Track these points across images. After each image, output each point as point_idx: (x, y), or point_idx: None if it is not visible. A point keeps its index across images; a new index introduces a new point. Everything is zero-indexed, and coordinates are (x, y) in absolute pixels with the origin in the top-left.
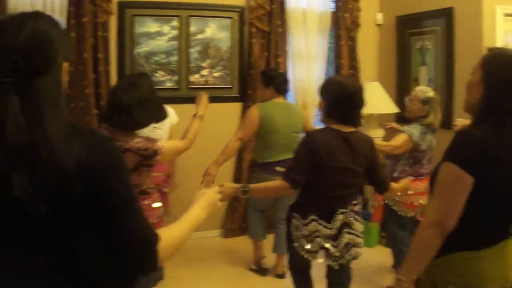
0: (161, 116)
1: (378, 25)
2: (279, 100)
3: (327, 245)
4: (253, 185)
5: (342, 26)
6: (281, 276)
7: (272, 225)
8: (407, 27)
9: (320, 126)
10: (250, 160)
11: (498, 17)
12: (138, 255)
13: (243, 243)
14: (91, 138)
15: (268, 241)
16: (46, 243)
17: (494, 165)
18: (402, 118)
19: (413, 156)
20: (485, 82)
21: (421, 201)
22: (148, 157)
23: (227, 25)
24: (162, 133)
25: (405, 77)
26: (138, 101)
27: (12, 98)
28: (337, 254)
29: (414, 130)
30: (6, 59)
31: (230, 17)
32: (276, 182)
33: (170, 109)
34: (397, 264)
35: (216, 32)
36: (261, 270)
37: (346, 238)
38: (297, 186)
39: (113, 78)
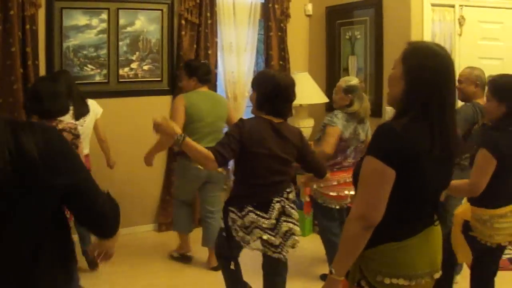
0: (82, 112)
1: (308, 15)
2: (203, 89)
3: (265, 237)
4: (189, 140)
5: (272, 17)
6: (215, 268)
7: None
8: (336, 18)
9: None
10: (171, 149)
11: (426, 7)
12: (111, 221)
13: (176, 237)
14: (36, 133)
15: (196, 234)
16: (10, 223)
17: (414, 158)
18: (331, 108)
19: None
20: (405, 76)
21: (346, 192)
22: (77, 135)
23: (156, 18)
24: (85, 129)
25: (335, 67)
26: (53, 93)
27: None
28: (277, 242)
29: (335, 118)
30: None
31: (160, 9)
32: (205, 150)
33: (93, 102)
34: (329, 255)
35: (145, 24)
36: (183, 257)
37: (284, 226)
38: (221, 161)
39: (42, 73)
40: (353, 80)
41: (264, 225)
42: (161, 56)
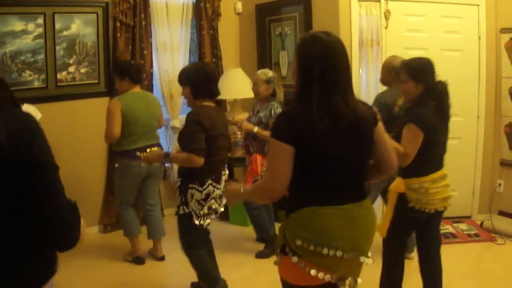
0: None
1: (238, 13)
2: (136, 90)
3: (214, 206)
4: (172, 154)
5: (204, 16)
6: (162, 258)
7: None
8: (266, 15)
9: (181, 115)
10: (110, 151)
11: (353, 2)
12: (69, 230)
13: (122, 237)
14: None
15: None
16: None
17: (300, 132)
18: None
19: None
20: (298, 65)
21: None
22: None
23: (92, 21)
24: None
25: (266, 61)
26: None
27: None
28: (221, 210)
29: (278, 110)
30: None
31: (95, 13)
32: (185, 155)
33: (29, 108)
34: (256, 228)
35: (81, 28)
36: (137, 259)
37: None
38: (200, 153)
39: None
40: (270, 72)
41: (216, 195)
42: (98, 58)
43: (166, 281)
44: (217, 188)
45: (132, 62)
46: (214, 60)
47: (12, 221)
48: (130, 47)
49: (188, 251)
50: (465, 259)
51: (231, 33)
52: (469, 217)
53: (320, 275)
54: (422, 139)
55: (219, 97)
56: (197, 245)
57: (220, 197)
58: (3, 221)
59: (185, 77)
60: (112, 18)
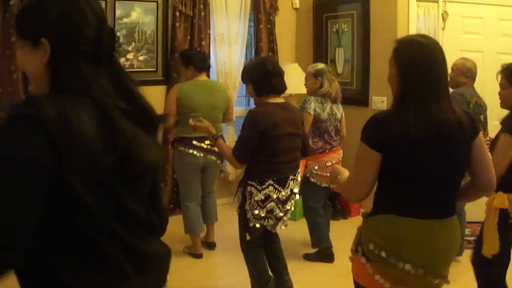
0: None
1: (295, 8)
2: (201, 78)
3: (276, 211)
4: (220, 141)
5: (262, 10)
6: (213, 245)
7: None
8: (323, 11)
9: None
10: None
11: (411, 3)
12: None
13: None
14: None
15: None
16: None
17: (389, 139)
18: None
19: (318, 127)
20: (399, 72)
21: None
22: None
23: (151, 9)
24: None
25: (322, 58)
26: None
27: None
28: (280, 216)
29: (308, 104)
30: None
31: (155, 1)
32: (233, 158)
33: None
34: (313, 236)
35: (141, 16)
36: (196, 256)
37: (289, 204)
38: (242, 162)
39: None
40: (320, 65)
41: (280, 198)
42: (156, 47)
43: (210, 271)
44: (279, 192)
45: (198, 50)
46: (270, 54)
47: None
48: (189, 37)
49: (242, 247)
50: None
51: (287, 28)
52: None
53: (387, 284)
54: None
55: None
56: (253, 244)
57: (283, 202)
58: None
59: (246, 75)
60: (171, 8)
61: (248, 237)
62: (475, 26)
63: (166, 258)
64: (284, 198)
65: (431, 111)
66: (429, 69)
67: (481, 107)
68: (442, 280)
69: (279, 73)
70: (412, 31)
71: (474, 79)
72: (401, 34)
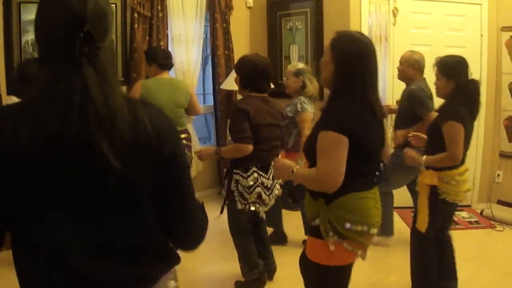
0: None
1: (249, 7)
2: (164, 76)
3: (263, 195)
4: (222, 149)
5: (217, 9)
6: None
7: None
8: (277, 9)
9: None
10: None
11: (363, 0)
12: (199, 230)
13: None
14: (148, 108)
15: None
16: (117, 207)
17: (356, 127)
18: (275, 93)
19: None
20: (334, 61)
21: None
22: None
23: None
24: None
25: (277, 55)
26: None
27: (88, 68)
28: (268, 201)
29: (305, 104)
30: (78, 30)
31: (113, 3)
32: (234, 146)
33: None
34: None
35: None
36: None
37: (276, 189)
38: (250, 142)
39: (0, 67)
40: (300, 64)
41: (264, 184)
42: (116, 48)
43: (182, 265)
44: (264, 177)
45: (162, 48)
46: (226, 52)
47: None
48: (147, 38)
49: (232, 233)
50: (467, 244)
51: (242, 26)
52: (469, 206)
53: (360, 253)
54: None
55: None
56: (242, 230)
57: (268, 188)
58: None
59: (237, 66)
60: (130, 9)
61: (238, 223)
62: (424, 21)
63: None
64: (269, 184)
65: (372, 99)
66: (368, 64)
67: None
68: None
69: (266, 76)
70: (365, 27)
71: (422, 71)
72: (354, 30)
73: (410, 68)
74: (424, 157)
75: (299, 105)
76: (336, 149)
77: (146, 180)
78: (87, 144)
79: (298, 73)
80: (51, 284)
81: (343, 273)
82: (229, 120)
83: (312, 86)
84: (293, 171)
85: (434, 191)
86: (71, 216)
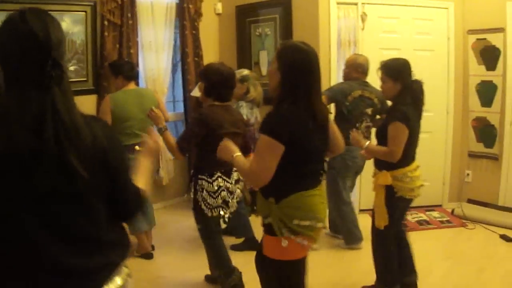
0: None
1: (218, 14)
2: (130, 87)
3: (227, 198)
4: (166, 133)
5: (187, 16)
6: (151, 247)
7: None
8: (246, 16)
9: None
10: None
11: (332, 5)
12: (136, 203)
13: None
14: (99, 124)
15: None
16: (82, 206)
17: (296, 132)
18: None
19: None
20: (280, 69)
21: None
22: None
23: (80, 19)
24: None
25: (246, 61)
26: None
27: (55, 90)
28: (232, 204)
29: (241, 109)
30: (46, 58)
31: (84, 11)
32: (174, 144)
33: None
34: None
35: (70, 26)
36: (146, 255)
37: (238, 191)
38: (184, 153)
39: None
40: (245, 71)
41: (229, 188)
42: (86, 56)
43: (159, 273)
44: (227, 182)
45: (126, 60)
46: (196, 59)
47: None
48: (118, 45)
49: (203, 241)
50: (440, 243)
51: (211, 33)
52: (440, 205)
53: (315, 246)
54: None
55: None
56: (212, 235)
57: (232, 192)
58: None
59: (203, 74)
60: (100, 17)
61: (208, 228)
62: (392, 25)
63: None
64: (231, 188)
65: (315, 105)
66: (311, 72)
67: (369, 100)
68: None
69: (231, 86)
70: (334, 32)
71: (366, 74)
72: (323, 35)
73: (354, 71)
74: (368, 142)
75: (239, 110)
76: (268, 153)
77: (102, 184)
78: (58, 156)
79: (243, 79)
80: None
81: (298, 266)
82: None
83: (256, 92)
84: (233, 156)
85: (389, 190)
86: (42, 216)
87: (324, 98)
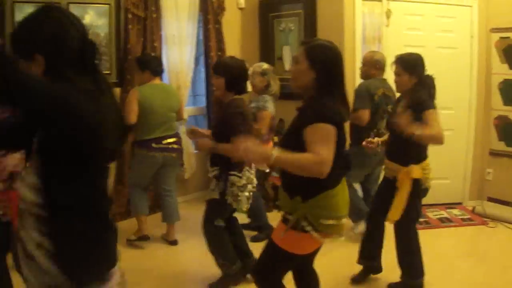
0: None
1: (240, 8)
2: (156, 82)
3: (253, 190)
4: (220, 145)
5: (210, 10)
6: (174, 242)
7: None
8: (269, 11)
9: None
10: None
11: (357, 1)
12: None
13: (132, 226)
14: None
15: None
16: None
17: (340, 123)
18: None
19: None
20: (314, 68)
21: None
22: None
23: (104, 12)
24: None
25: (269, 56)
26: None
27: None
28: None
29: (267, 103)
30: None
31: (108, 4)
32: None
33: None
34: (254, 218)
35: (94, 19)
36: (142, 237)
37: (254, 180)
38: None
39: None
40: (265, 65)
41: (254, 181)
42: (110, 49)
43: (180, 268)
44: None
45: (154, 55)
46: (219, 53)
47: None
48: (142, 39)
49: (210, 233)
50: (462, 241)
51: (233, 27)
52: (460, 203)
53: (322, 240)
54: None
55: None
56: (221, 228)
57: (254, 185)
58: None
59: (221, 68)
60: (124, 10)
61: (219, 223)
62: (417, 22)
63: None
64: (254, 180)
65: (345, 99)
66: (340, 68)
67: (389, 98)
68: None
69: (247, 79)
70: (359, 28)
71: (383, 70)
72: (348, 31)
73: (372, 68)
74: (419, 130)
75: (261, 103)
76: (332, 140)
77: None
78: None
79: (263, 73)
80: None
81: (304, 259)
82: (216, 119)
83: (276, 85)
84: (271, 156)
85: (416, 183)
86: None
87: (365, 112)
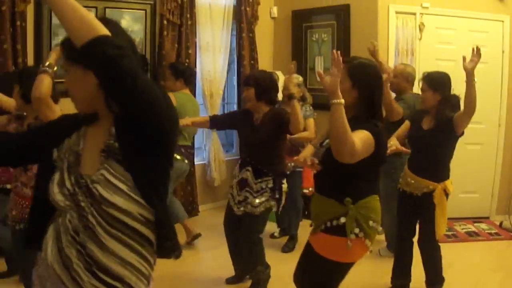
0: None
1: (273, 18)
2: (186, 91)
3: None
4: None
5: (244, 19)
6: (197, 236)
7: None
8: (302, 21)
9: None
10: None
11: (391, 14)
12: None
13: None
14: None
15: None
16: None
17: (379, 138)
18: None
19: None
20: (357, 86)
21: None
22: None
23: (140, 17)
24: None
25: (302, 66)
26: None
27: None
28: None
29: (311, 112)
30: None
31: (144, 10)
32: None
33: None
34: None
35: (130, 24)
36: (195, 236)
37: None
38: (213, 125)
39: None
40: (300, 77)
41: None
42: (145, 55)
43: (216, 274)
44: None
45: (188, 66)
46: (252, 62)
47: None
48: (176, 45)
49: (258, 242)
50: (490, 255)
51: (266, 36)
52: (487, 217)
53: (371, 248)
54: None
55: None
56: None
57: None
58: None
59: (253, 79)
60: (159, 16)
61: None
62: (449, 36)
63: None
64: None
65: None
66: (381, 84)
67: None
68: None
69: (278, 89)
70: (392, 41)
71: (413, 84)
72: (381, 44)
73: (404, 81)
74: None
75: (308, 112)
76: (367, 146)
77: None
78: None
79: (300, 84)
80: None
81: (349, 269)
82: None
83: (310, 97)
84: (339, 99)
85: (445, 197)
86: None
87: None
